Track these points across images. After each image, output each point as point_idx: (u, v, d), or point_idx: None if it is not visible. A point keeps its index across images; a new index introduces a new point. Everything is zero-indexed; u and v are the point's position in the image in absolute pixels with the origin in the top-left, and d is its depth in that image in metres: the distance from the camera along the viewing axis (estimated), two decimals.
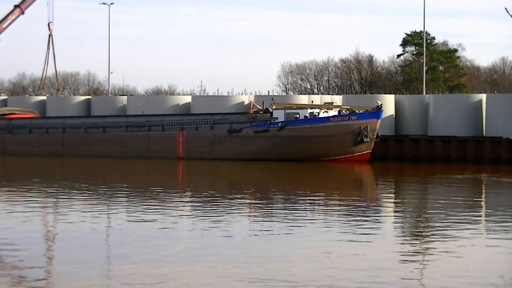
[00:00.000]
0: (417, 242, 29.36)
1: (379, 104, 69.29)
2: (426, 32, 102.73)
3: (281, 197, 44.03)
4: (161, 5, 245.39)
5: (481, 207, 41.35)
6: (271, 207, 39.21)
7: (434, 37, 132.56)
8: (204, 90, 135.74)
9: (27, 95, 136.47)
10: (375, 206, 41.13)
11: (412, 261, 25.34)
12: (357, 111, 69.89)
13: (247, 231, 30.72)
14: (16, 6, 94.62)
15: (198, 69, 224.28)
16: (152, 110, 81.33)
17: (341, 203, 40.78)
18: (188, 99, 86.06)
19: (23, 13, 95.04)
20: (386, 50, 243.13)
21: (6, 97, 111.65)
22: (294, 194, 44.73)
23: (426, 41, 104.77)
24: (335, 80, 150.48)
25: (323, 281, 21.90)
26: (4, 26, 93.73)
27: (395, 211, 39.13)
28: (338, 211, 37.33)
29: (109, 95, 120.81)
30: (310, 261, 24.72)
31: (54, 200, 42.26)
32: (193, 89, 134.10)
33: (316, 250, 26.56)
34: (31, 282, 21.95)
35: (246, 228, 31.83)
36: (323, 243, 28.02)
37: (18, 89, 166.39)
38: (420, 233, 31.38)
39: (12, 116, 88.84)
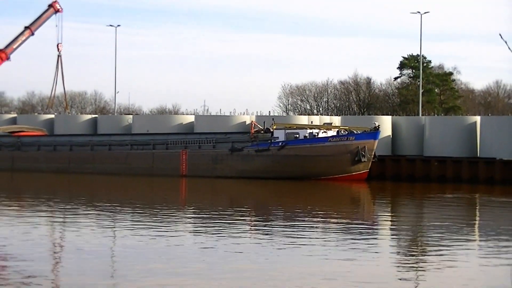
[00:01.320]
0: (412, 258, 29.35)
1: (377, 125, 69.39)
2: (422, 56, 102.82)
3: (280, 214, 43.98)
4: (166, 28, 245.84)
5: (474, 225, 41.36)
6: (271, 224, 39.17)
7: (430, 61, 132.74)
8: (207, 110, 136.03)
9: (35, 114, 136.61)
10: (372, 224, 41.11)
11: (407, 278, 25.33)
12: (355, 132, 69.96)
13: (248, 247, 30.69)
14: (26, 28, 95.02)
15: (201, 90, 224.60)
16: (157, 129, 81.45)
17: (339, 220, 40.76)
18: (191, 118, 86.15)
19: (33, 34, 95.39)
20: (384, 73, 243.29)
21: (15, 115, 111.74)
22: (293, 211, 44.68)
23: (422, 64, 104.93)
24: (334, 101, 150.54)
25: None
26: (14, 46, 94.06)
27: (391, 229, 39.15)
28: (336, 229, 37.32)
29: (115, 114, 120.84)
30: (305, 276, 24.73)
31: (61, 215, 42.25)
32: (197, 109, 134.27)
33: (313, 266, 26.57)
34: None
35: (247, 244, 31.79)
36: (320, 259, 28.01)
37: (27, 107, 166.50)
38: (415, 250, 31.37)
39: (21, 133, 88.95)
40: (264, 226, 38.38)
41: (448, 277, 25.20)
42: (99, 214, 42.26)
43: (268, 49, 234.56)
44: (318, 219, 41.10)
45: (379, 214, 47.49)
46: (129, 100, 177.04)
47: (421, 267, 27.37)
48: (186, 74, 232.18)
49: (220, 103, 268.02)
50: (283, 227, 37.15)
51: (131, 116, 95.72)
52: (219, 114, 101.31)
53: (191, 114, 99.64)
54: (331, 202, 53.78)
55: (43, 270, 25.46)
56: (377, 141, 69.04)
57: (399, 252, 31.36)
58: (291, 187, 62.21)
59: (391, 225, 41.28)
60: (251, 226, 38.92)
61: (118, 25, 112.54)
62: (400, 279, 25.07)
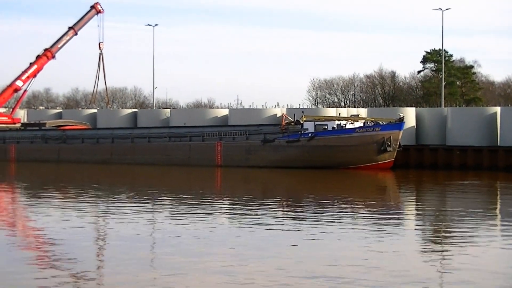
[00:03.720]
0: (436, 241, 29.23)
1: (401, 116, 69.15)
2: (444, 50, 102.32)
3: (311, 201, 43.93)
4: (201, 25, 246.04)
5: (495, 209, 41.13)
6: (302, 211, 39.18)
7: (451, 55, 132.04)
8: (240, 103, 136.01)
9: (79, 108, 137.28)
10: (397, 209, 40.97)
11: (433, 263, 25.26)
12: (380, 123, 69.74)
13: (283, 234, 30.70)
14: (70, 28, 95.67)
15: (234, 84, 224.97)
16: (193, 122, 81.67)
17: (366, 206, 40.66)
18: (225, 111, 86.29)
19: (76, 34, 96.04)
20: (408, 67, 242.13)
21: (61, 110, 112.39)
22: (323, 198, 44.63)
23: (444, 58, 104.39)
24: (360, 94, 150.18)
25: (348, 277, 21.90)
26: (59, 45, 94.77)
27: (416, 214, 39.02)
28: (363, 214, 37.25)
29: (154, 108, 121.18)
30: (333, 260, 24.73)
31: (104, 204, 42.47)
32: (230, 103, 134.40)
33: (342, 250, 26.56)
34: (84, 279, 22.11)
35: (282, 231, 31.79)
36: (348, 243, 27.99)
37: (72, 102, 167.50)
38: (439, 233, 31.23)
39: (66, 127, 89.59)
40: (295, 212, 38.38)
41: (473, 259, 25.05)
42: (139, 202, 42.45)
43: (298, 44, 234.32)
44: (347, 205, 41.03)
45: (404, 200, 47.32)
46: (166, 95, 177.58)
47: (445, 250, 27.25)
48: (220, 69, 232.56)
49: (253, 97, 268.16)
50: (313, 213, 37.12)
51: (169, 110, 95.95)
52: (251, 107, 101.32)
53: (225, 108, 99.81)
54: (359, 190, 53.68)
55: (86, 256, 25.59)
56: (401, 131, 68.80)
57: (424, 235, 31.21)
58: (320, 176, 62.13)
59: (416, 210, 41.15)
60: (283, 212, 38.92)
61: (156, 24, 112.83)
62: (425, 261, 24.99)
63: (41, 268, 23.27)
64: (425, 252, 26.95)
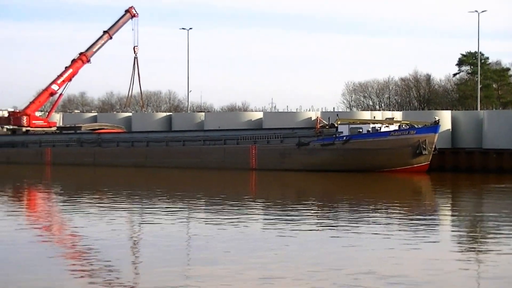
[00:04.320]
0: (472, 245, 29.02)
1: (437, 119, 68.79)
2: (480, 53, 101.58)
3: (346, 204, 43.78)
4: (235, 29, 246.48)
5: None
6: (337, 214, 39.07)
7: (488, 57, 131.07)
8: (275, 106, 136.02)
9: (114, 112, 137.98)
10: (433, 213, 40.72)
11: (468, 269, 25.08)
12: (416, 126, 69.42)
13: (319, 236, 30.64)
14: (105, 32, 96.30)
15: (269, 88, 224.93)
16: (227, 125, 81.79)
17: (402, 210, 40.45)
18: (260, 115, 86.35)
19: (111, 38, 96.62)
20: (443, 69, 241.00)
21: (96, 114, 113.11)
22: (358, 202, 44.49)
23: (480, 61, 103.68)
24: (395, 97, 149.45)
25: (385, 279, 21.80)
26: (94, 49, 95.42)
27: (452, 217, 38.78)
28: (399, 217, 37.06)
29: (188, 112, 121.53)
30: (375, 263, 24.64)
31: (139, 206, 42.64)
32: (265, 106, 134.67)
33: (377, 253, 26.45)
34: (118, 284, 22.21)
35: (316, 232, 31.73)
36: (383, 247, 27.86)
37: (107, 106, 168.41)
38: (474, 237, 31.01)
39: (102, 131, 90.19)
40: (330, 215, 38.29)
41: (508, 264, 24.86)
42: (174, 205, 42.59)
43: (333, 48, 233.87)
44: (381, 209, 40.86)
45: (439, 203, 47.04)
46: (201, 99, 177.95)
47: (480, 253, 27.04)
48: (255, 73, 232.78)
49: (287, 100, 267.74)
50: (348, 217, 37.00)
51: (203, 113, 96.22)
52: (286, 110, 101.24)
53: (259, 111, 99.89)
54: (394, 193, 53.40)
55: (120, 260, 25.69)
56: (437, 134, 68.42)
57: (459, 240, 30.97)
58: (355, 179, 61.93)
59: (452, 213, 40.87)
60: (318, 215, 38.85)
61: (190, 28, 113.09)
62: (460, 268, 24.81)
63: (75, 271, 23.40)
64: (460, 258, 26.74)
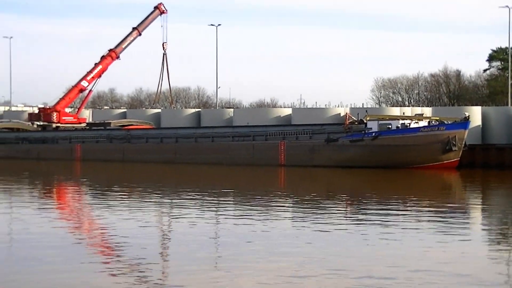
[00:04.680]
0: (503, 241, 28.81)
1: (467, 115, 68.35)
2: (511, 48, 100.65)
3: (375, 201, 43.62)
4: (264, 25, 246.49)
5: None
6: (366, 210, 38.94)
7: None
8: (304, 103, 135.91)
9: (143, 108, 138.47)
10: (463, 209, 40.50)
11: (499, 266, 24.90)
12: (445, 122, 69.03)
13: (341, 233, 30.57)
14: (134, 28, 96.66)
15: (297, 84, 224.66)
16: (256, 121, 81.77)
17: (432, 206, 40.24)
18: (289, 111, 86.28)
19: (140, 34, 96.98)
20: (473, 65, 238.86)
21: (125, 110, 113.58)
22: (387, 198, 44.33)
23: (511, 56, 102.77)
24: (425, 93, 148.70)
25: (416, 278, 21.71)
26: (123, 46, 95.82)
27: (482, 214, 38.51)
28: (429, 214, 36.87)
29: (217, 108, 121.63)
30: (397, 261, 24.53)
31: (169, 202, 42.76)
32: (293, 102, 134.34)
33: (405, 250, 26.33)
34: (149, 276, 22.28)
35: (345, 229, 31.66)
36: (413, 243, 27.73)
37: (136, 102, 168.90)
38: (506, 233, 30.79)
39: (131, 127, 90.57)
40: (359, 211, 38.17)
41: None
42: (203, 201, 42.67)
43: (362, 44, 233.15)
44: (411, 205, 40.69)
45: (470, 200, 46.76)
46: (230, 95, 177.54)
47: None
48: (283, 69, 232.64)
49: (316, 96, 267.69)
50: (377, 213, 36.87)
51: (232, 109, 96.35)
52: (315, 106, 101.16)
53: (288, 107, 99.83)
54: (423, 190, 53.16)
55: (152, 254, 25.77)
56: (467, 130, 67.96)
57: (490, 237, 30.77)
58: (384, 175, 61.72)
59: (482, 210, 40.59)
60: (347, 211, 38.75)
61: (219, 25, 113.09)
62: (491, 264, 24.64)
63: (106, 268, 23.50)
64: (491, 255, 26.55)
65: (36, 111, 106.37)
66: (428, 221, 34.54)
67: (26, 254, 25.36)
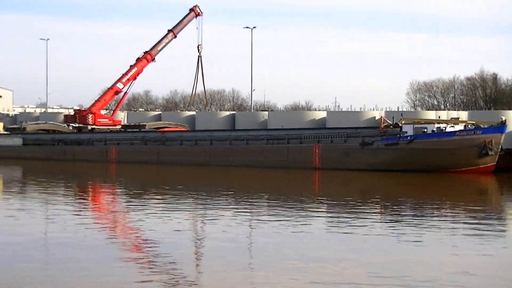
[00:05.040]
0: None
1: (503, 119, 67.77)
2: None
3: (409, 205, 43.40)
4: (299, 28, 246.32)
5: None
6: (400, 214, 38.75)
7: None
8: (338, 106, 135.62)
9: (178, 111, 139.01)
10: (500, 214, 40.16)
11: None
12: (482, 126, 68.51)
13: (376, 238, 30.45)
14: (169, 31, 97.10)
15: (333, 87, 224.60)
16: (291, 124, 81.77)
17: (467, 211, 39.95)
18: (323, 114, 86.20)
19: (175, 36, 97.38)
20: (510, 68, 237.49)
21: (160, 112, 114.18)
22: (422, 202, 44.09)
23: None
24: (461, 97, 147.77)
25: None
26: (159, 48, 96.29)
27: None
28: (464, 219, 36.61)
29: (252, 111, 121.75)
30: (430, 266, 24.38)
31: (202, 205, 42.81)
32: (328, 105, 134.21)
33: (440, 256, 26.18)
34: (182, 278, 22.34)
35: (380, 232, 31.54)
36: (448, 249, 27.57)
37: (171, 105, 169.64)
38: None
39: (166, 129, 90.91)
40: (393, 215, 37.99)
41: None
42: (237, 204, 42.71)
43: (397, 47, 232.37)
44: (447, 209, 40.45)
45: (506, 205, 46.36)
46: (264, 97, 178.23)
47: None
48: (318, 72, 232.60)
49: (351, 99, 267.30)
50: (412, 217, 36.68)
51: (266, 112, 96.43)
52: (349, 110, 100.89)
53: (323, 110, 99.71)
54: (459, 194, 52.81)
55: (184, 257, 25.83)
56: (503, 135, 67.38)
57: None
58: (419, 179, 61.36)
59: None
60: (381, 215, 38.59)
61: (254, 27, 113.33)
62: None
63: (140, 270, 23.60)
64: None
65: (72, 113, 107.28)
66: (464, 226, 34.27)
67: (62, 255, 25.53)
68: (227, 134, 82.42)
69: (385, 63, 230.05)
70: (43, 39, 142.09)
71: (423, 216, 37.27)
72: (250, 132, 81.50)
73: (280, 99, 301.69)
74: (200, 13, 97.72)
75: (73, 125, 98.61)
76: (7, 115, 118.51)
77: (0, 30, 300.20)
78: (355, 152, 71.08)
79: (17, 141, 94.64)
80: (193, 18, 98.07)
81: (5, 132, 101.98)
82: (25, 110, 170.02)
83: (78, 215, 37.49)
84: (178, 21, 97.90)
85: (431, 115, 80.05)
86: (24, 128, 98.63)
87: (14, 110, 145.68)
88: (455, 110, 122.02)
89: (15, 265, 23.85)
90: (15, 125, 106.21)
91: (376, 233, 31.21)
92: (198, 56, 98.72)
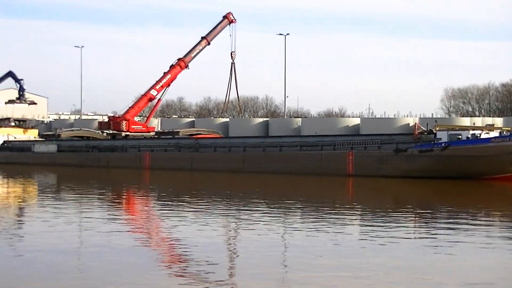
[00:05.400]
0: None
1: None
2: None
3: (444, 212, 43.16)
4: (332, 34, 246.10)
5: None
6: (435, 222, 38.55)
7: None
8: (372, 112, 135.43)
9: (212, 117, 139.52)
10: None
11: None
12: None
13: (413, 246, 30.32)
14: (203, 38, 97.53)
15: (366, 93, 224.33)
16: (324, 131, 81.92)
17: (502, 219, 39.66)
18: (357, 121, 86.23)
19: (209, 43, 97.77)
20: None
21: (193, 119, 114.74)
22: (457, 209, 43.83)
23: None
24: (496, 103, 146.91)
25: None
26: (192, 55, 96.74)
27: None
28: (500, 227, 36.35)
29: (285, 117, 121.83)
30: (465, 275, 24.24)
31: (236, 211, 42.86)
32: (362, 112, 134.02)
33: (480, 264, 26.02)
34: (217, 283, 22.40)
35: (412, 242, 31.40)
36: (482, 257, 27.38)
37: (204, 111, 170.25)
38: None
39: (199, 136, 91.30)
40: (428, 223, 37.79)
41: None
42: (271, 211, 42.70)
43: (431, 53, 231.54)
44: (482, 217, 40.15)
45: None
46: (297, 104, 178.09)
47: None
48: (352, 78, 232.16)
49: (385, 106, 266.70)
50: (446, 225, 36.46)
51: (300, 119, 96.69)
52: (383, 116, 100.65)
53: (357, 117, 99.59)
54: (494, 201, 52.42)
55: (218, 263, 25.85)
56: None
57: None
58: (454, 186, 60.99)
59: None
60: (415, 222, 38.40)
61: (287, 34, 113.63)
62: None
63: (175, 277, 23.69)
64: None
65: (106, 119, 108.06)
66: (499, 234, 34.01)
67: (97, 261, 25.69)
68: (260, 141, 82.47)
69: (419, 69, 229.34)
70: (78, 47, 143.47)
71: (457, 223, 36.99)
72: (284, 139, 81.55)
73: (313, 105, 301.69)
74: (234, 20, 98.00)
75: (107, 131, 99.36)
76: (42, 122, 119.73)
77: (36, 37, 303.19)
78: (389, 159, 70.77)
79: (51, 147, 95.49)
80: (226, 25, 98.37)
81: (40, 139, 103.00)
82: (59, 117, 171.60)
83: (113, 221, 37.70)
84: (212, 28, 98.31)
85: (466, 121, 79.80)
86: (59, 135, 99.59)
87: (49, 117, 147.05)
88: (490, 116, 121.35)
89: (51, 272, 24.01)
90: (50, 132, 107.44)
91: (411, 241, 31.07)
92: (232, 63, 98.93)
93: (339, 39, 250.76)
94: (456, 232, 33.68)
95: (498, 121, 79.74)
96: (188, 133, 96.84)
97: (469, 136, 68.71)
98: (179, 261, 26.60)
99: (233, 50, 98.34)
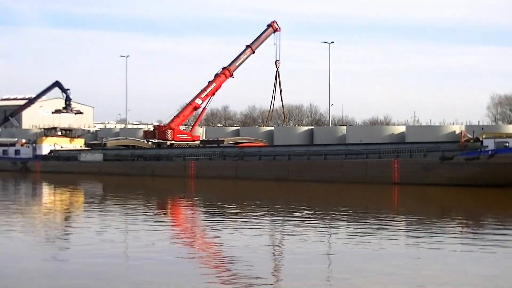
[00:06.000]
0: None
1: None
2: None
3: (491, 221, 42.76)
4: (377, 42, 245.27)
5: None
6: (481, 232, 38.22)
7: None
8: (417, 120, 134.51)
9: (256, 126, 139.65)
10: None
11: None
12: None
13: (453, 254, 30.10)
14: (247, 46, 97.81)
15: (411, 101, 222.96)
16: (369, 139, 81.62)
17: None
18: (402, 129, 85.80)
19: (253, 52, 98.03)
20: None
21: (238, 127, 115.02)
22: (505, 218, 43.40)
23: None
24: None
25: None
26: (237, 64, 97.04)
27: None
28: None
29: (330, 125, 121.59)
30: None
31: (281, 221, 42.87)
32: (407, 120, 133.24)
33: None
34: None
35: (458, 248, 31.18)
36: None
37: (249, 120, 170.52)
38: None
39: (244, 144, 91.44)
40: (475, 232, 37.47)
41: None
42: (316, 219, 42.66)
43: (478, 60, 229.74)
44: None
45: None
46: (342, 112, 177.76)
47: None
48: (397, 86, 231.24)
49: (430, 114, 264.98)
50: (494, 235, 36.14)
51: (345, 127, 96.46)
52: (429, 124, 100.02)
53: (402, 125, 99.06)
54: None
55: (263, 273, 25.85)
56: None
57: None
58: (501, 194, 60.40)
59: None
60: (462, 232, 38.10)
61: (332, 42, 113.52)
62: None
63: (219, 284, 23.78)
64: None
65: (151, 128, 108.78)
66: None
67: (142, 270, 25.88)
68: (305, 149, 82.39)
69: (465, 76, 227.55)
70: (123, 56, 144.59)
71: (505, 233, 36.64)
72: (329, 147, 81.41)
73: (358, 113, 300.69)
74: (278, 28, 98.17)
75: (153, 140, 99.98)
76: (88, 131, 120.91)
77: (82, 47, 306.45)
78: (435, 167, 70.27)
79: (97, 156, 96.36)
80: (271, 34, 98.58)
81: (86, 148, 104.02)
82: (105, 126, 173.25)
83: (158, 229, 37.92)
84: (256, 37, 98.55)
85: None
86: (105, 144, 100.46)
87: (95, 126, 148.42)
88: None
89: (102, 284, 24.23)
90: (96, 141, 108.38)
91: (457, 253, 30.84)
92: (276, 71, 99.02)
93: (384, 47, 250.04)
94: (505, 242, 33.32)
95: None
96: (233, 142, 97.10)
97: None
98: (224, 271, 26.67)
99: (277, 59, 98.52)
